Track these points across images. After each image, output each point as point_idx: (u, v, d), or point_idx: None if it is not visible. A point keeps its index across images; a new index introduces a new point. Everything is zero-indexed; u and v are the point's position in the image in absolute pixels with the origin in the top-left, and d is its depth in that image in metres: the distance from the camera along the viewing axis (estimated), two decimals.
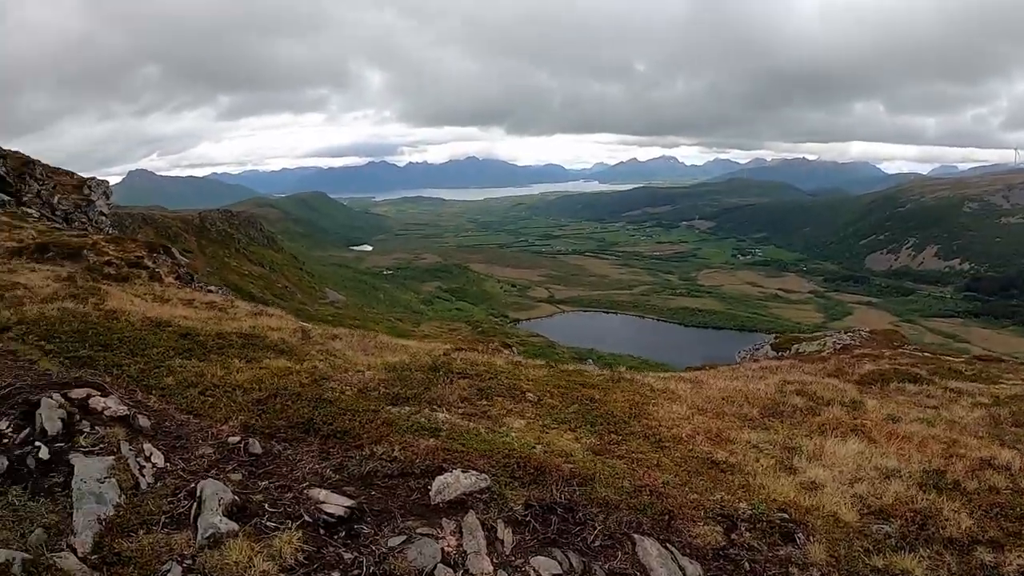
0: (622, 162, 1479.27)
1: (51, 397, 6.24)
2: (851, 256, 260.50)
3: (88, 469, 5.38)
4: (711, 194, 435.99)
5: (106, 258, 18.15)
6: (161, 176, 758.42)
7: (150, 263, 21.73)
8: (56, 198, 31.23)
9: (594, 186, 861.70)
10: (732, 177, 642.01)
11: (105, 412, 6.45)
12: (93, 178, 37.12)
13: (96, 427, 6.06)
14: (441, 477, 5.84)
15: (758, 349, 32.38)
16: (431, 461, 6.16)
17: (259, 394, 7.62)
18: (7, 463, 5.30)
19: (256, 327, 11.86)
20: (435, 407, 8.26)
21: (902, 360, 20.72)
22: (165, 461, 5.86)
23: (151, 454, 5.87)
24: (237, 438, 6.47)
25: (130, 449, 5.83)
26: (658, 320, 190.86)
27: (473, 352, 12.19)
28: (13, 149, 32.44)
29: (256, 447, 6.35)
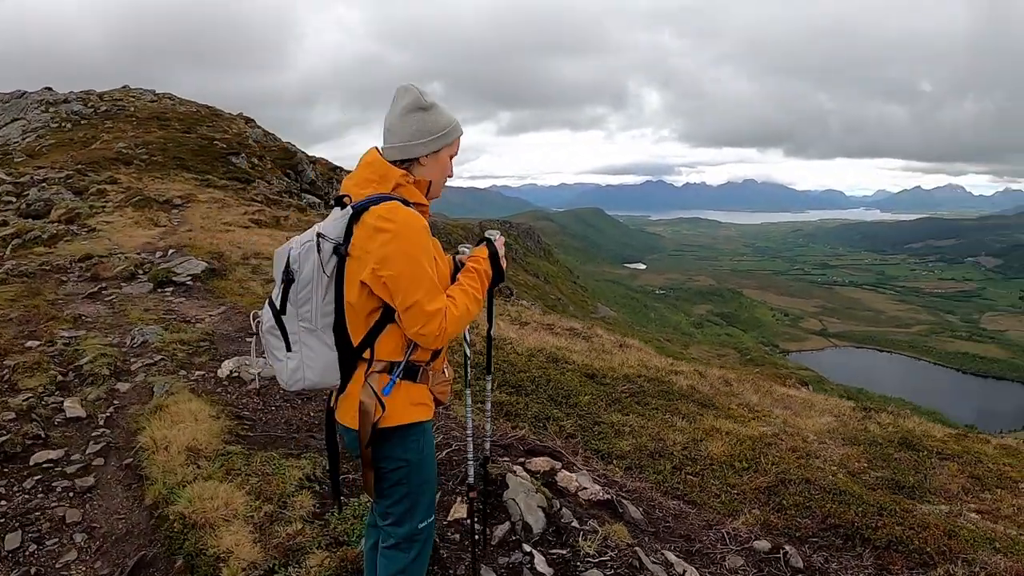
0: (905, 190, 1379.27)
1: (515, 473, 4.90)
2: None
3: None
4: (1000, 228, 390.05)
5: None
6: (446, 187, 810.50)
7: None
8: None
9: (875, 214, 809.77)
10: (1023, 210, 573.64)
11: (580, 494, 5.02)
12: None
13: (583, 520, 4.63)
14: None
15: None
16: None
17: (760, 478, 5.87)
18: None
19: (647, 365, 10.36)
20: (947, 500, 6.34)
21: None
22: None
23: (679, 568, 4.27)
24: (766, 544, 4.76)
25: (654, 561, 4.27)
26: (934, 363, 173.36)
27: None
28: (318, 156, 34.22)
29: (798, 560, 4.53)
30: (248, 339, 7.62)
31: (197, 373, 5.94)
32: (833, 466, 6.70)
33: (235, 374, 5.90)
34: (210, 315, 8.55)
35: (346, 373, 2.53)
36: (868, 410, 10.40)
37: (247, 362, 6.06)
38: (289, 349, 2.53)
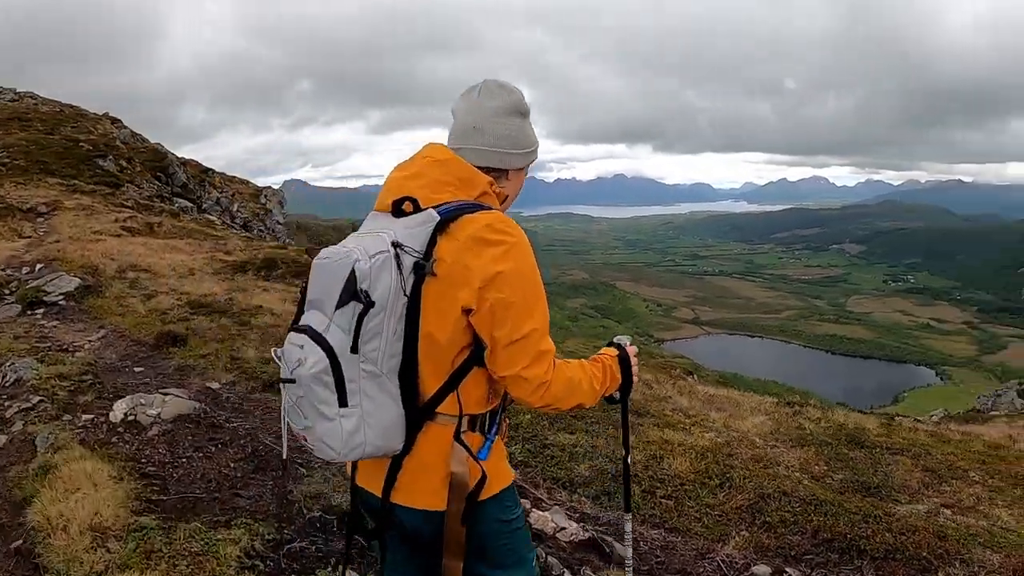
0: (771, 182, 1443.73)
1: None
2: (1008, 286, 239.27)
3: None
4: (862, 217, 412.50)
5: None
6: (314, 186, 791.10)
7: None
8: (235, 206, 31.08)
9: (742, 206, 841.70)
10: (884, 199, 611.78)
11: (560, 536, 4.39)
12: (269, 187, 37.29)
13: (574, 567, 4.00)
14: None
15: (999, 396, 28.69)
16: None
17: (737, 496, 5.38)
18: None
19: None
20: (912, 496, 6.35)
21: None
22: None
23: None
24: (766, 568, 4.31)
25: None
26: (804, 346, 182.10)
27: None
28: (187, 157, 32.74)
29: None
30: (136, 368, 6.60)
31: (84, 418, 4.91)
32: (796, 472, 6.46)
33: (130, 417, 4.91)
34: (89, 341, 7.41)
35: (410, 434, 1.91)
36: (792, 404, 10.33)
37: (143, 401, 5.09)
38: (344, 404, 1.81)
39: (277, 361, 1.90)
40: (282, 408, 1.94)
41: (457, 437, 1.95)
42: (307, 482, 4.34)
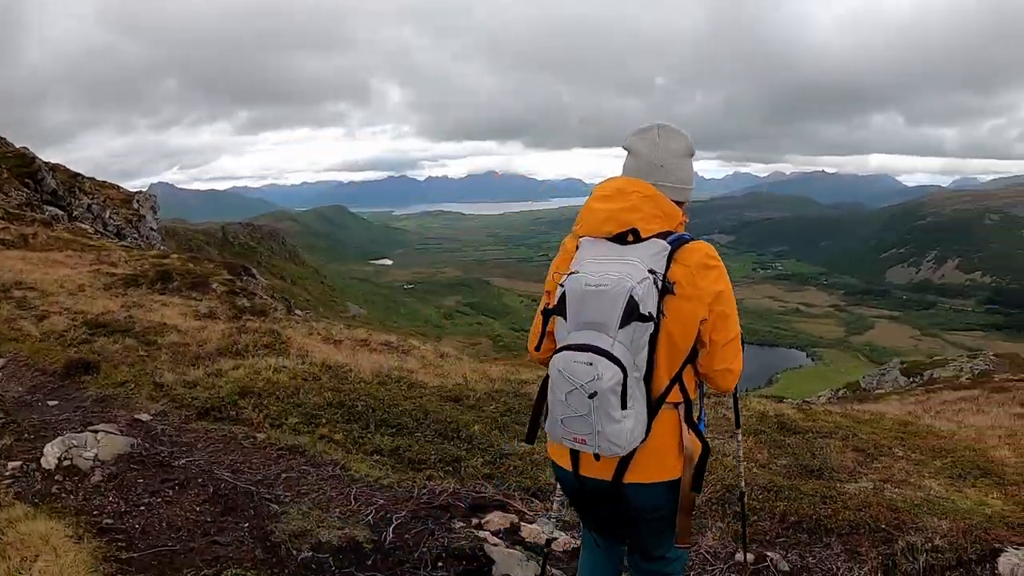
0: None
1: (491, 543, 4.02)
2: (872, 270, 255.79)
3: None
4: (730, 208, 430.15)
5: (225, 287, 15.92)
6: (182, 189, 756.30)
7: (259, 291, 19.62)
8: (107, 213, 29.50)
9: None
10: (751, 191, 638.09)
11: (554, 547, 4.22)
12: (141, 192, 35.43)
13: None
14: (1004, 558, 4.32)
15: (884, 375, 30.34)
16: (980, 542, 4.60)
17: (706, 490, 5.43)
18: None
19: (489, 376, 9.64)
20: (852, 476, 6.77)
21: None
22: None
23: None
24: (750, 556, 4.39)
25: None
26: None
27: None
28: (54, 162, 30.78)
29: (784, 564, 4.41)
30: (50, 402, 5.96)
31: (12, 466, 4.32)
32: (744, 462, 6.46)
33: (66, 462, 4.36)
34: None
35: (648, 423, 2.34)
36: (711, 395, 10.47)
37: (75, 442, 4.55)
38: (624, 407, 2.23)
39: (578, 384, 2.21)
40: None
41: (687, 419, 2.44)
42: (286, 520, 3.96)
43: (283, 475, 4.71)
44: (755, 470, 6.19)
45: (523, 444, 6.37)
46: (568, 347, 2.25)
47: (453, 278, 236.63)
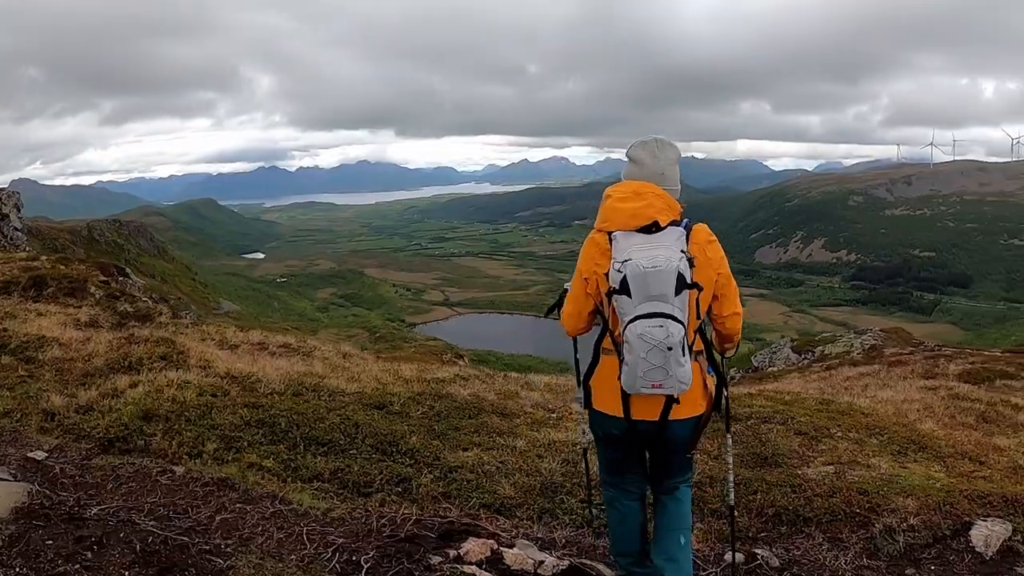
0: (513, 163, 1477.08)
1: (457, 564, 3.53)
2: (742, 250, 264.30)
3: None
4: (601, 193, 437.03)
5: (104, 291, 14.65)
6: (45, 185, 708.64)
7: (138, 293, 18.31)
8: None
9: (486, 188, 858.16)
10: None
11: (540, 572, 3.78)
12: (3, 189, 32.61)
13: None
14: (975, 531, 4.58)
15: (775, 353, 30.96)
16: (951, 517, 4.80)
17: None
18: None
19: (404, 378, 9.08)
20: (804, 461, 6.64)
21: (962, 358, 19.21)
22: None
23: None
24: (740, 555, 4.30)
25: None
26: (556, 320, 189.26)
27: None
28: None
29: (774, 559, 4.36)
30: None
31: None
32: (699, 454, 6.24)
33: None
34: None
35: None
36: None
37: None
38: (685, 355, 3.00)
39: (646, 342, 2.96)
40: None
41: (711, 362, 3.35)
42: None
43: (217, 517, 4.04)
44: (709, 462, 6.00)
45: (469, 454, 5.90)
46: (639, 316, 2.97)
47: (327, 270, 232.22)
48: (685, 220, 3.25)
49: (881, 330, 30.82)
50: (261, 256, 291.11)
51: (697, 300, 3.12)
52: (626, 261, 3.02)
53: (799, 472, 5.89)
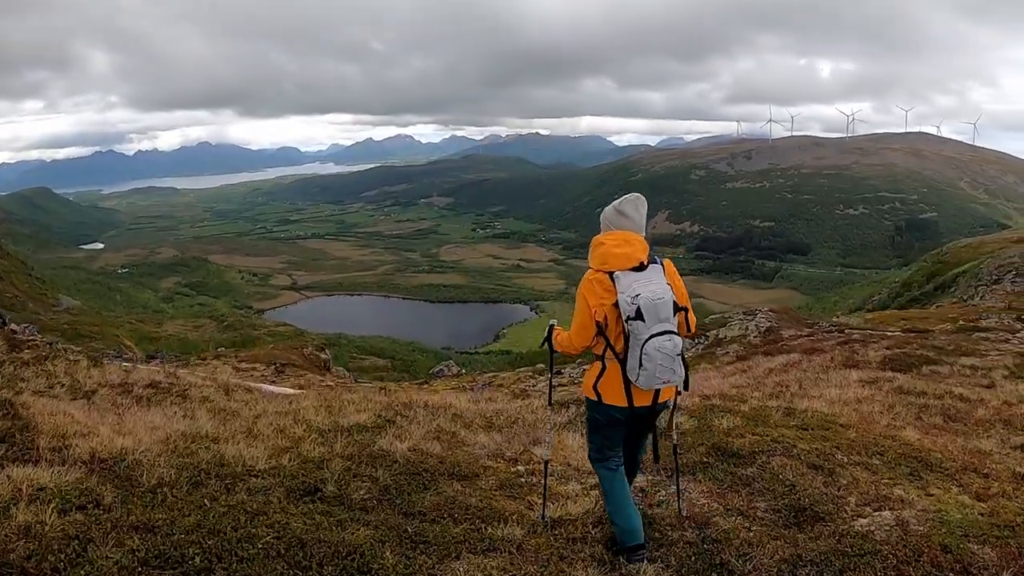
0: (358, 142, 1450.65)
1: None
2: (588, 224, 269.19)
3: None
4: (448, 171, 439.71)
5: None
6: None
7: None
8: None
9: (330, 168, 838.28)
10: (468, 153, 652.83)
11: None
12: None
13: None
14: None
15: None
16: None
17: None
18: None
19: (300, 436, 7.33)
20: (837, 508, 5.45)
21: (874, 341, 18.92)
22: None
23: None
24: None
25: None
26: (404, 299, 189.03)
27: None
28: None
29: None
30: None
31: None
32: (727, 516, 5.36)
33: None
34: None
35: None
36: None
37: None
38: (683, 358, 4.27)
39: (663, 354, 4.20)
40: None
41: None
42: None
43: None
44: (744, 525, 5.06)
45: (463, 565, 4.33)
46: (654, 335, 4.13)
47: (170, 258, 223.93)
48: (656, 258, 4.40)
49: (771, 310, 30.19)
50: (100, 246, 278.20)
51: (686, 317, 4.44)
52: (637, 295, 4.14)
53: (856, 528, 4.93)
